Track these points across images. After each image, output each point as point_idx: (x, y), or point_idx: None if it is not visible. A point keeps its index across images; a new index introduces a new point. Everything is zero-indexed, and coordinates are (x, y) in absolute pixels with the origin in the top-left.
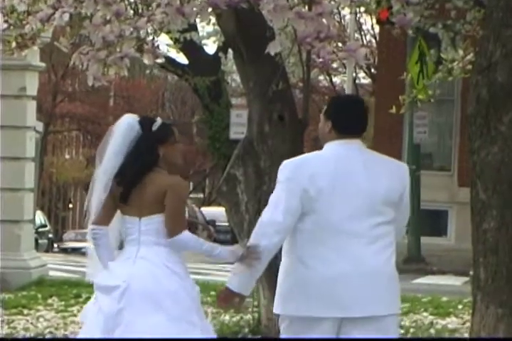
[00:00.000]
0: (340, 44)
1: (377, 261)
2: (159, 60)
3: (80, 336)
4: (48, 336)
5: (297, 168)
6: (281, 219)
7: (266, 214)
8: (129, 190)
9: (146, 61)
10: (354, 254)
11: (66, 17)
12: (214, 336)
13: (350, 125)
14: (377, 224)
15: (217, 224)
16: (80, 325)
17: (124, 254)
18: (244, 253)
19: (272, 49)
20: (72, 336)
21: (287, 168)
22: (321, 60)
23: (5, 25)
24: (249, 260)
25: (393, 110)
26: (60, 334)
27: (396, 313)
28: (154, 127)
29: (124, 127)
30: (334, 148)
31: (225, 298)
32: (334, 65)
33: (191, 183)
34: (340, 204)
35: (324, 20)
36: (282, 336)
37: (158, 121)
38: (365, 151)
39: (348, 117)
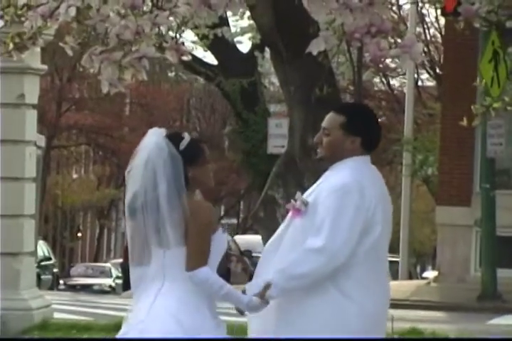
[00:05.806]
0: (399, 40)
1: None
2: (185, 58)
3: None
4: None
5: (362, 192)
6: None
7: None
8: None
9: (170, 58)
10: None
11: (72, 11)
12: None
13: (378, 141)
14: None
15: (253, 255)
16: None
17: (149, 289)
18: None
19: (315, 48)
20: None
21: (353, 191)
22: (370, 57)
23: (1, 23)
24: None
25: (464, 122)
26: None
27: None
28: (182, 146)
29: (150, 146)
30: (367, 167)
31: None
32: (392, 65)
33: (222, 207)
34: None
35: (376, 11)
36: None
37: (186, 138)
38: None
39: (379, 132)
